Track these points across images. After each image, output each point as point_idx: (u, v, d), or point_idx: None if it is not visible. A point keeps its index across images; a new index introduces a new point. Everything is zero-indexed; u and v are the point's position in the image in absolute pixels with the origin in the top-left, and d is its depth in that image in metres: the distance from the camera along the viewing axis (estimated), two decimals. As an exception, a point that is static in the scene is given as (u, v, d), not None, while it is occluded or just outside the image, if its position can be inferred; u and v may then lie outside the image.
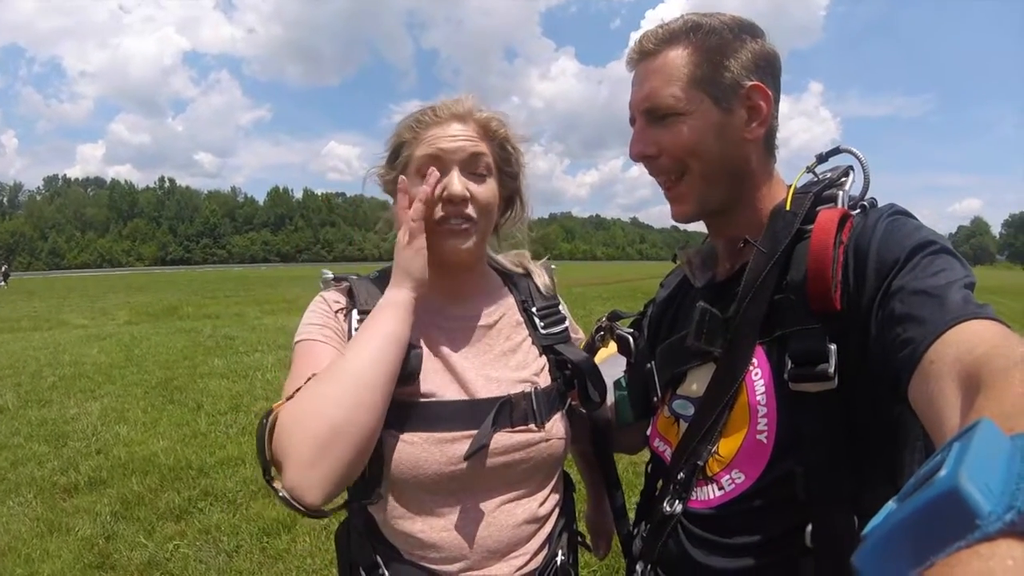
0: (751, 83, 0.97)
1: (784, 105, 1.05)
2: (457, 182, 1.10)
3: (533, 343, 1.24)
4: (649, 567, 1.09)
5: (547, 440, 1.13)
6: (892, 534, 0.33)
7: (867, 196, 0.97)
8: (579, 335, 1.38)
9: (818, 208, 0.95)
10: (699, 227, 1.14)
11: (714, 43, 0.98)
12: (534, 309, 1.27)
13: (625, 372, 1.30)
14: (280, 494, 0.90)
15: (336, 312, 1.13)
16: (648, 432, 1.20)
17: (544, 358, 1.23)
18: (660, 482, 1.13)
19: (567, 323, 1.31)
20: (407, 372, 1.03)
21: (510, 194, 1.24)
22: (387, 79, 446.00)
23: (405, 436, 1.04)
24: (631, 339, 1.28)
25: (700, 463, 1.00)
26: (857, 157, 1.00)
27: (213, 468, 4.70)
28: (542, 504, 1.16)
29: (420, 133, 1.13)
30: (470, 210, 1.11)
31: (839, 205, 0.94)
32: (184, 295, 24.67)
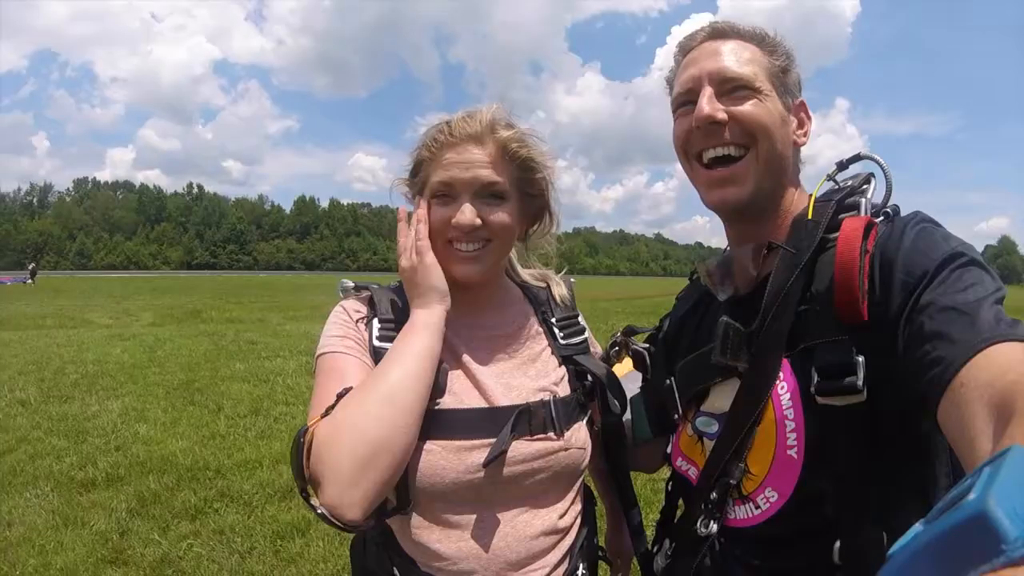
0: (800, 99, 1.05)
1: (812, 122, 1.09)
2: (468, 213, 1.08)
3: (552, 353, 1.23)
4: None
5: (566, 449, 1.11)
6: (918, 555, 0.33)
7: (890, 203, 0.95)
8: (597, 348, 1.37)
9: (841, 216, 0.93)
10: (722, 241, 1.14)
11: (782, 52, 1.04)
12: (553, 320, 1.26)
13: (641, 388, 1.28)
14: (319, 511, 0.90)
15: (357, 322, 1.13)
16: (669, 451, 1.18)
17: (563, 368, 1.22)
18: (682, 501, 1.11)
19: (586, 334, 1.30)
20: (435, 386, 1.03)
21: (536, 210, 1.23)
22: (414, 92, 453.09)
23: (424, 444, 1.03)
24: (646, 354, 1.27)
25: (732, 482, 0.97)
26: (879, 163, 0.98)
27: (230, 470, 4.75)
28: (562, 516, 1.13)
29: (436, 154, 1.11)
30: (482, 234, 1.11)
31: (862, 213, 0.93)
32: (208, 299, 25.09)
